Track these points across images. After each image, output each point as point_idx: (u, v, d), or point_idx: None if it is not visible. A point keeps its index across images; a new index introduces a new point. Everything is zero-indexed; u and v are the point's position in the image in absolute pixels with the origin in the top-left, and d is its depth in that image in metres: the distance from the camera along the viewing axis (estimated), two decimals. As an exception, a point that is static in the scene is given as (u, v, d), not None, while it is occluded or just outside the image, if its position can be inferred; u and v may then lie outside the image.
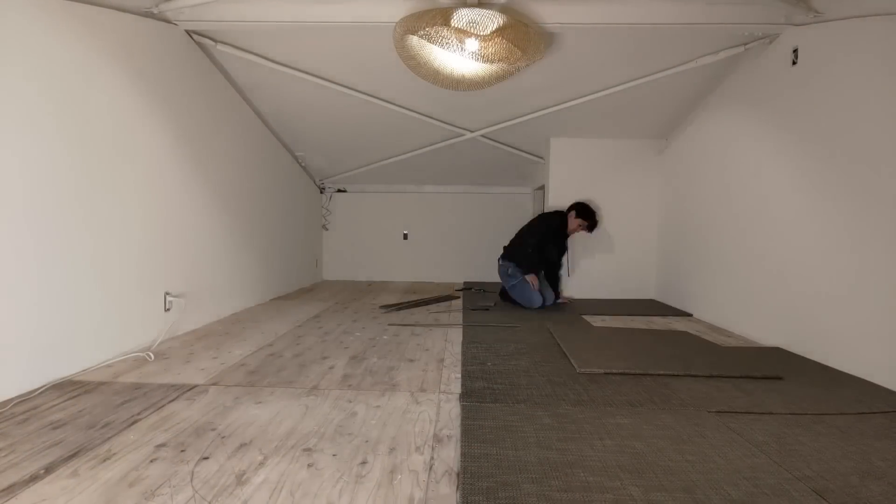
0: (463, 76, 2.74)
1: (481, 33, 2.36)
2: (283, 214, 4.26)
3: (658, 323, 3.22)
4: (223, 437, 1.39)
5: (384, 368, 2.09)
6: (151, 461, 1.25)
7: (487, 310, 3.58)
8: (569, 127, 4.01)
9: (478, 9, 2.31)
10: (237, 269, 3.38)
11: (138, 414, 1.55)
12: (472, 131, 4.10)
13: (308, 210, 5.02)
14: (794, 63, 2.48)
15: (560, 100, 3.55)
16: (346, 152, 4.63)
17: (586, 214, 3.78)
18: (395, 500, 1.09)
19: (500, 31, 2.36)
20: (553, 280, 3.93)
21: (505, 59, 2.53)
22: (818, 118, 2.31)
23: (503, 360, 2.21)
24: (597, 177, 4.27)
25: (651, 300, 4.19)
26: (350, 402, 1.69)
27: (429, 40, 2.40)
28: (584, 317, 3.37)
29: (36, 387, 1.75)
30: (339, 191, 5.47)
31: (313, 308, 3.60)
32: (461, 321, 3.13)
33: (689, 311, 3.57)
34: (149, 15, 2.38)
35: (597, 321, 3.24)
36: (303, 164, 4.72)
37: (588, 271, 4.31)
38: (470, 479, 1.16)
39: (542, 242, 3.75)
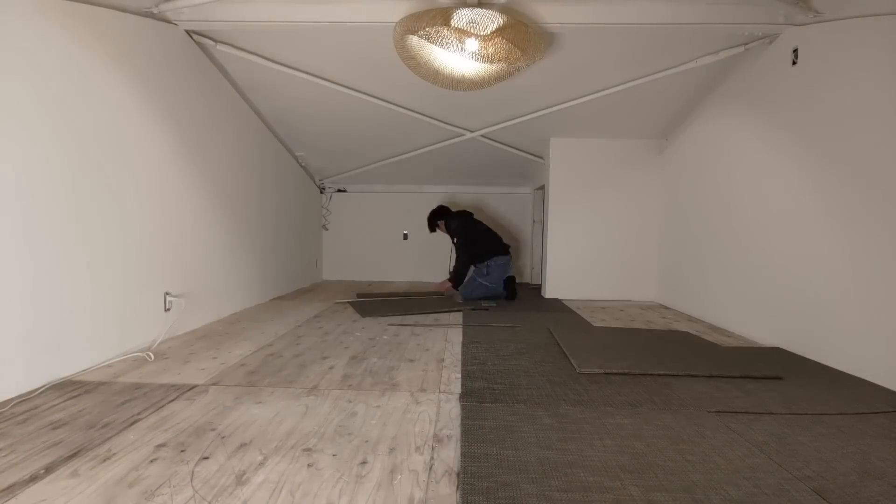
0: (463, 76, 2.74)
1: (481, 33, 2.36)
2: (282, 214, 4.26)
3: (658, 323, 3.22)
4: (223, 437, 1.39)
5: (384, 368, 2.09)
6: (151, 461, 1.25)
7: (487, 310, 3.58)
8: (569, 127, 4.01)
9: (478, 9, 2.31)
10: (237, 269, 3.39)
11: (138, 414, 1.55)
12: (472, 131, 4.10)
13: (308, 210, 5.02)
14: (794, 63, 2.48)
15: (560, 100, 3.55)
16: (346, 152, 4.63)
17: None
18: (395, 500, 1.09)
19: (500, 31, 2.36)
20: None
21: (505, 59, 2.53)
22: (818, 118, 2.31)
23: (503, 360, 2.21)
24: (597, 177, 4.27)
25: (651, 300, 4.19)
26: (350, 402, 1.69)
27: (429, 40, 2.40)
28: (584, 317, 3.37)
29: (36, 387, 1.75)
30: (339, 191, 5.47)
31: (313, 308, 3.60)
32: (461, 321, 3.13)
33: (689, 311, 3.58)
34: (149, 15, 2.38)
35: (597, 321, 3.24)
36: (303, 164, 4.72)
37: (588, 271, 4.31)
38: (470, 479, 1.16)
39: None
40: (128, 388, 1.79)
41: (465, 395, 1.74)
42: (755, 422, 1.54)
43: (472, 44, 2.41)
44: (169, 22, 2.52)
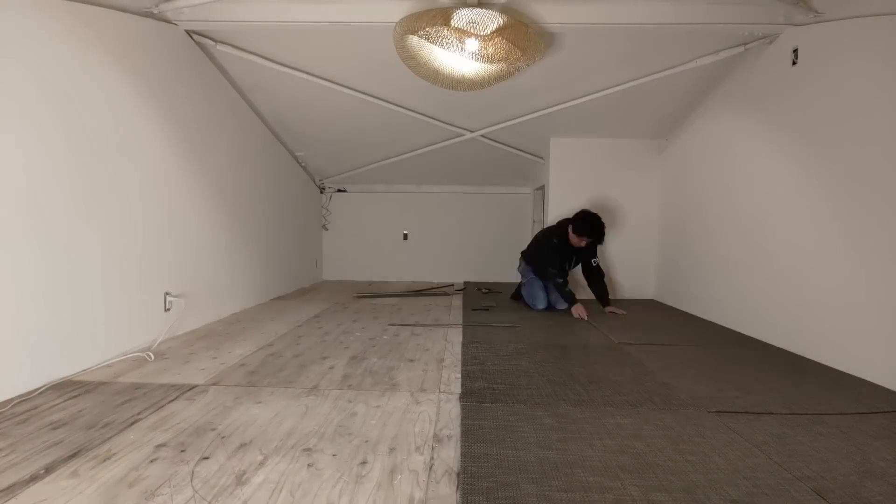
0: (463, 76, 2.74)
1: (481, 33, 2.36)
2: (283, 214, 4.26)
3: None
4: (223, 437, 1.39)
5: (384, 368, 2.09)
6: (151, 461, 1.25)
7: (487, 310, 3.58)
8: (569, 127, 4.01)
9: (478, 9, 2.31)
10: (237, 269, 3.38)
11: (138, 414, 1.55)
12: (472, 131, 4.10)
13: (308, 210, 5.02)
14: (794, 63, 2.48)
15: (560, 100, 3.55)
16: (346, 152, 4.63)
17: (581, 231, 3.46)
18: (395, 500, 1.09)
19: (500, 31, 2.36)
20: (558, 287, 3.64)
21: (505, 59, 2.53)
22: (818, 118, 2.31)
23: (503, 360, 2.21)
24: (597, 177, 4.26)
25: (651, 300, 4.19)
26: (350, 402, 1.69)
27: (429, 40, 2.40)
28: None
29: (36, 387, 1.75)
30: (339, 191, 5.47)
31: (313, 308, 3.60)
32: (461, 321, 3.13)
33: (687, 310, 3.57)
34: (149, 15, 2.38)
35: (596, 320, 3.23)
36: (303, 164, 4.72)
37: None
38: (470, 479, 1.16)
39: (544, 260, 3.61)
40: (128, 388, 1.79)
41: (465, 395, 1.75)
42: (755, 422, 1.54)
43: (472, 44, 2.41)
44: (169, 22, 2.52)
